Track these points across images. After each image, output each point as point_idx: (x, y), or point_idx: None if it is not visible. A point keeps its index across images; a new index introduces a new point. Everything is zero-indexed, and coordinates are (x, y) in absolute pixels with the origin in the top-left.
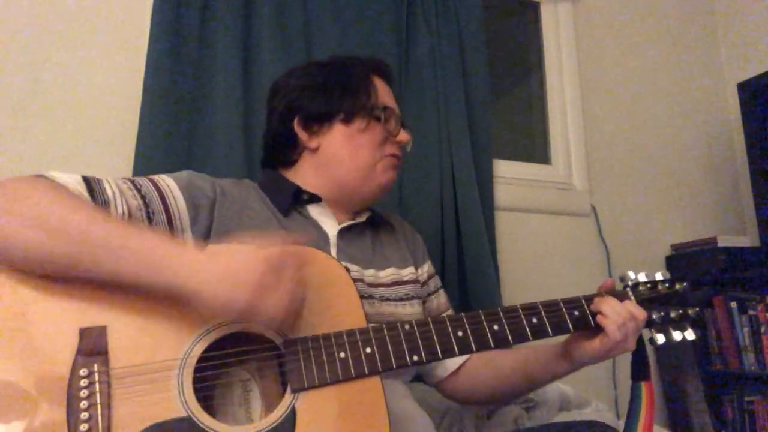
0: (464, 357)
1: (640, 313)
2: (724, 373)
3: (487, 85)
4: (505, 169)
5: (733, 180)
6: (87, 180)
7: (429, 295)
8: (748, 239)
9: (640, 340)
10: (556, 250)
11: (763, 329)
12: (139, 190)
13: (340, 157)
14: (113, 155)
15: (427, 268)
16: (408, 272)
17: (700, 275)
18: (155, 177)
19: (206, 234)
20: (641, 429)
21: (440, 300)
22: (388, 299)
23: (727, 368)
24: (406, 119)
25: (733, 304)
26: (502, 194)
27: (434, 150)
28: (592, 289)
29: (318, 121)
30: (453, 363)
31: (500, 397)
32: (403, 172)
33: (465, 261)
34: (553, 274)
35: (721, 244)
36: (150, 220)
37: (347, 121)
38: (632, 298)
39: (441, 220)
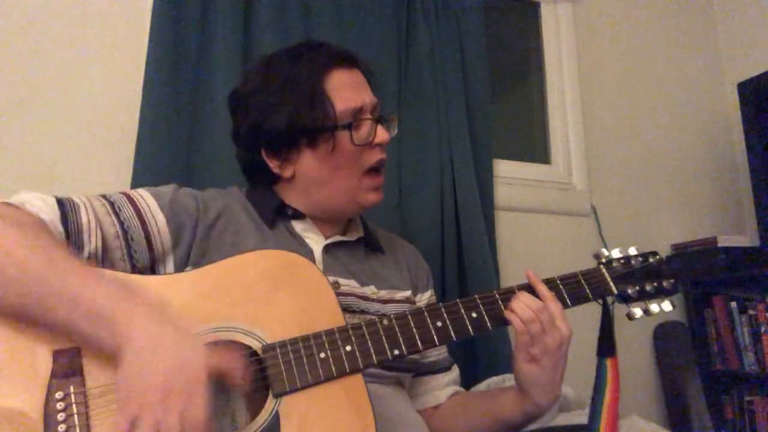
0: (446, 396)
1: (555, 306)
2: (724, 373)
3: (487, 85)
4: (505, 169)
5: (733, 180)
6: (62, 204)
7: None
8: (748, 239)
9: (606, 317)
10: (556, 250)
11: (763, 329)
12: (118, 215)
13: (319, 182)
14: (113, 156)
15: (428, 297)
16: (402, 295)
17: (700, 275)
18: (135, 196)
19: (188, 252)
20: (606, 406)
21: None
22: (384, 315)
23: (727, 368)
24: (406, 120)
25: (733, 304)
26: (502, 194)
27: (434, 150)
28: None
29: (285, 147)
30: (433, 399)
31: None
32: (402, 172)
33: (465, 261)
34: (553, 274)
35: (721, 244)
36: (129, 247)
37: (312, 144)
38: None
39: (441, 220)
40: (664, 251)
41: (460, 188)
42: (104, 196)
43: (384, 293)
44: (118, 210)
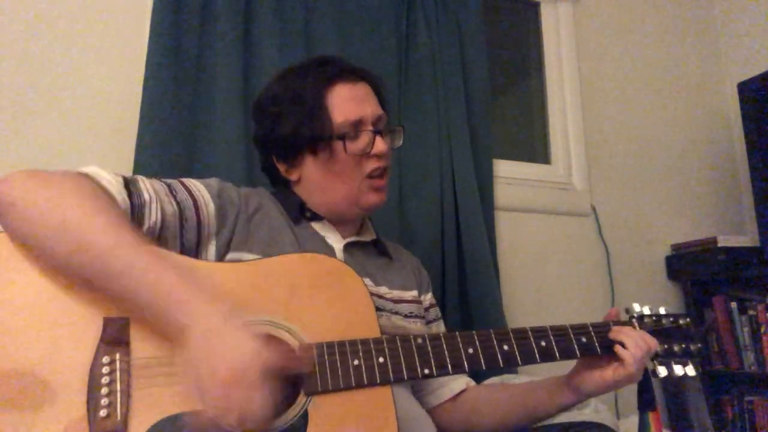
0: (460, 387)
1: (654, 344)
2: (724, 373)
3: (487, 85)
4: (505, 169)
5: (733, 180)
6: (127, 182)
7: (428, 323)
8: (748, 239)
9: (645, 371)
10: (556, 250)
11: (763, 329)
12: (175, 197)
13: (321, 186)
14: (113, 155)
15: (429, 297)
16: (411, 294)
17: (700, 275)
18: (188, 183)
19: (228, 240)
20: None
21: (439, 329)
22: (397, 313)
23: (727, 368)
24: (406, 120)
25: (733, 304)
26: (502, 194)
27: (434, 150)
28: (590, 290)
29: (290, 154)
30: (449, 391)
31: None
32: (402, 172)
33: (465, 261)
34: (553, 274)
35: (721, 244)
36: (182, 227)
37: (313, 152)
38: (637, 328)
39: (441, 220)
40: (664, 251)
41: (460, 188)
42: (159, 179)
43: (396, 293)
44: (174, 192)
